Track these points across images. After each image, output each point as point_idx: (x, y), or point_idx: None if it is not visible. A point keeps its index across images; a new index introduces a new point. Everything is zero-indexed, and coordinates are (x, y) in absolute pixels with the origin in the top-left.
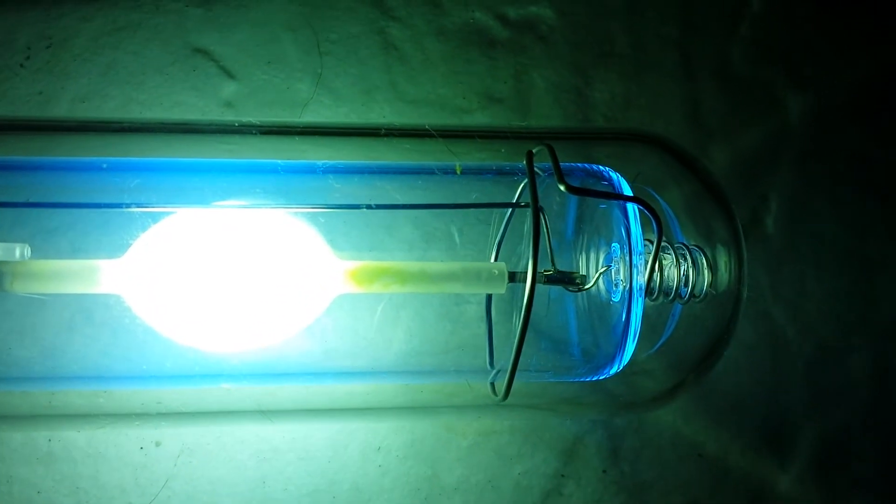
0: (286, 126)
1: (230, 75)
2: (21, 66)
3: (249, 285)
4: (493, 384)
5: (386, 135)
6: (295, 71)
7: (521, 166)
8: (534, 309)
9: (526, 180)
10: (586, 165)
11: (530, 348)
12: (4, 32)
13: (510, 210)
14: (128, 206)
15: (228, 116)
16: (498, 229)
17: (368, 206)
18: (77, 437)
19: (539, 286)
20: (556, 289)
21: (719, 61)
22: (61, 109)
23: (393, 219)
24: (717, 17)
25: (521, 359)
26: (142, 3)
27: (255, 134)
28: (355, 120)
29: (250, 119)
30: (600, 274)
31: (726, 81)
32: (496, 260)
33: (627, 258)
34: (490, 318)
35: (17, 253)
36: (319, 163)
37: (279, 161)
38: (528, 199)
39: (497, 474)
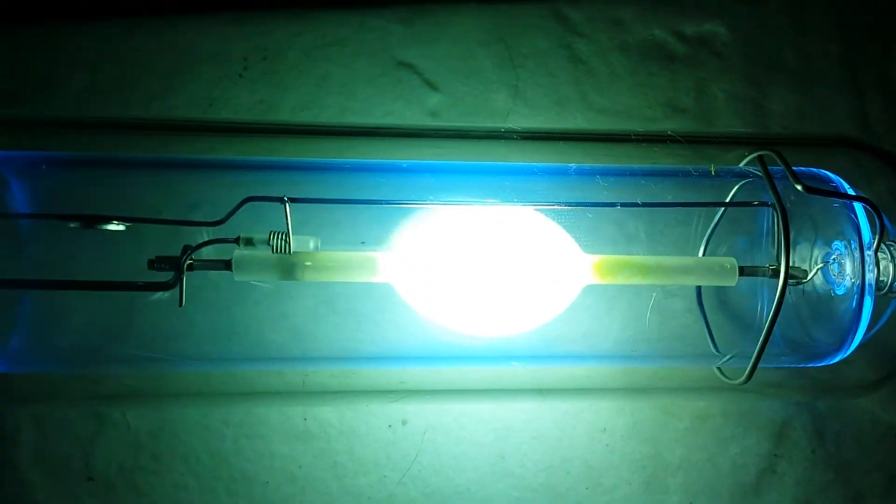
0: (552, 132)
1: (433, 87)
2: (240, 76)
3: (505, 276)
4: (720, 369)
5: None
6: (491, 83)
7: (736, 168)
8: (755, 300)
9: (741, 182)
10: (802, 168)
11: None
12: (221, 44)
13: (721, 209)
14: (402, 203)
15: (434, 125)
16: (696, 230)
17: (624, 205)
18: (330, 416)
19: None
20: (771, 281)
21: (881, 76)
22: (282, 117)
23: (618, 216)
24: (877, 36)
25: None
26: (347, 20)
27: (516, 139)
28: (553, 127)
29: (453, 124)
30: (818, 269)
31: (891, 96)
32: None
33: (857, 254)
34: (703, 309)
35: (311, 245)
36: (572, 165)
37: (533, 164)
38: (745, 199)
39: (715, 454)
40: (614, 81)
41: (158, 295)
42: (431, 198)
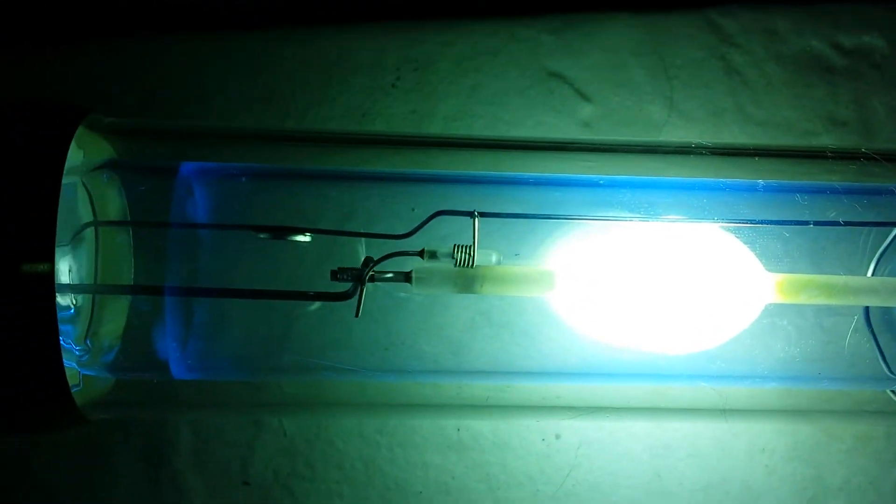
0: (744, 148)
1: (585, 98)
2: (392, 86)
3: (683, 293)
4: (894, 391)
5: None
6: (645, 94)
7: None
8: None
9: None
10: None
11: None
12: (374, 54)
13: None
14: (584, 217)
15: (586, 136)
16: (863, 248)
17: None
18: (483, 428)
19: None
20: None
21: None
22: (435, 127)
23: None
24: None
25: None
26: (497, 31)
27: (705, 154)
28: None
29: (606, 138)
30: None
31: None
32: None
33: None
34: (872, 329)
35: (493, 259)
36: (761, 182)
37: (719, 180)
38: None
39: (878, 477)
40: (771, 93)
41: (316, 305)
42: (612, 213)
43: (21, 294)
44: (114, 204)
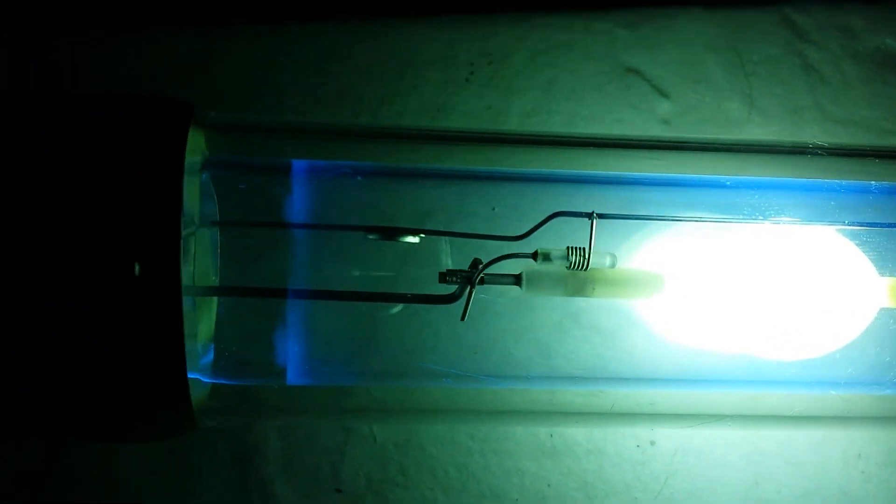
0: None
1: (663, 94)
2: (466, 80)
3: (793, 297)
4: None
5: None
6: (723, 90)
7: None
8: None
9: None
10: None
11: None
12: (446, 48)
13: None
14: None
15: (666, 133)
16: None
17: None
18: (577, 434)
19: None
20: None
21: None
22: (511, 123)
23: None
24: None
25: None
26: (572, 24)
27: (823, 155)
28: (787, 139)
29: (685, 135)
30: None
31: None
32: None
33: None
34: None
35: (608, 261)
36: (874, 184)
37: (832, 181)
38: None
39: None
40: (849, 91)
41: (398, 307)
42: (720, 214)
43: (145, 297)
44: (210, 202)
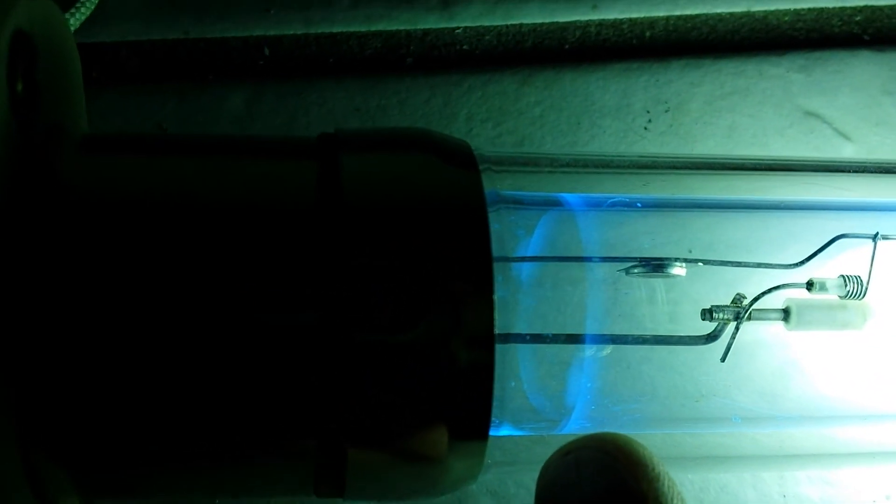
0: None
1: (845, 137)
2: (645, 128)
3: None
4: None
5: None
6: None
7: None
8: None
9: None
10: None
11: None
12: (619, 97)
13: None
14: None
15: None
16: None
17: None
18: (810, 493)
19: None
20: None
21: None
22: None
23: None
24: None
25: None
26: (744, 69)
27: None
28: None
29: None
30: None
31: None
32: None
33: None
34: None
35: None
36: None
37: None
38: None
39: None
40: None
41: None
42: None
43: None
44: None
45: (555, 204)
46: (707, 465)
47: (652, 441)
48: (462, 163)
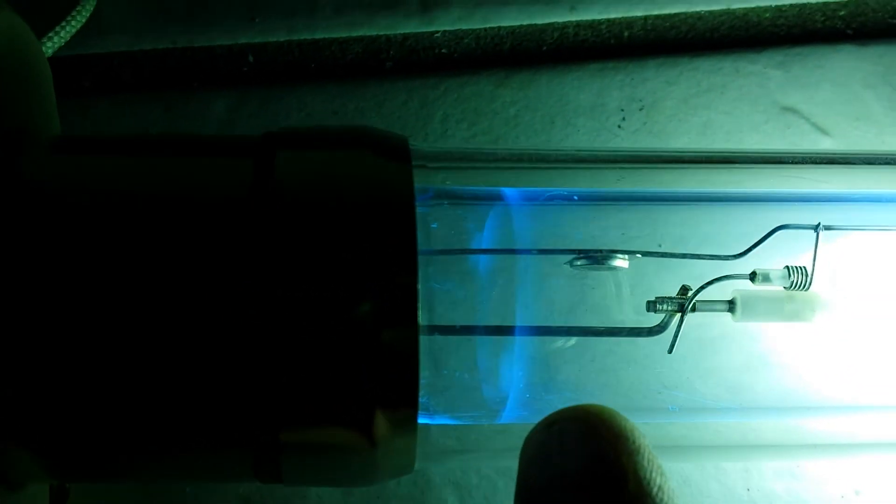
0: None
1: (824, 132)
2: (619, 126)
3: None
4: None
5: None
6: (885, 126)
7: None
8: None
9: None
10: None
11: None
12: (595, 96)
13: None
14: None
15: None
16: None
17: None
18: (776, 488)
19: None
20: None
21: None
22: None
23: None
24: None
25: None
26: (721, 66)
27: None
28: None
29: None
30: None
31: None
32: None
33: None
34: None
35: (829, 281)
36: None
37: None
38: None
39: None
40: None
41: (572, 342)
42: None
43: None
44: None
45: (495, 198)
46: (669, 454)
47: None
48: (395, 157)
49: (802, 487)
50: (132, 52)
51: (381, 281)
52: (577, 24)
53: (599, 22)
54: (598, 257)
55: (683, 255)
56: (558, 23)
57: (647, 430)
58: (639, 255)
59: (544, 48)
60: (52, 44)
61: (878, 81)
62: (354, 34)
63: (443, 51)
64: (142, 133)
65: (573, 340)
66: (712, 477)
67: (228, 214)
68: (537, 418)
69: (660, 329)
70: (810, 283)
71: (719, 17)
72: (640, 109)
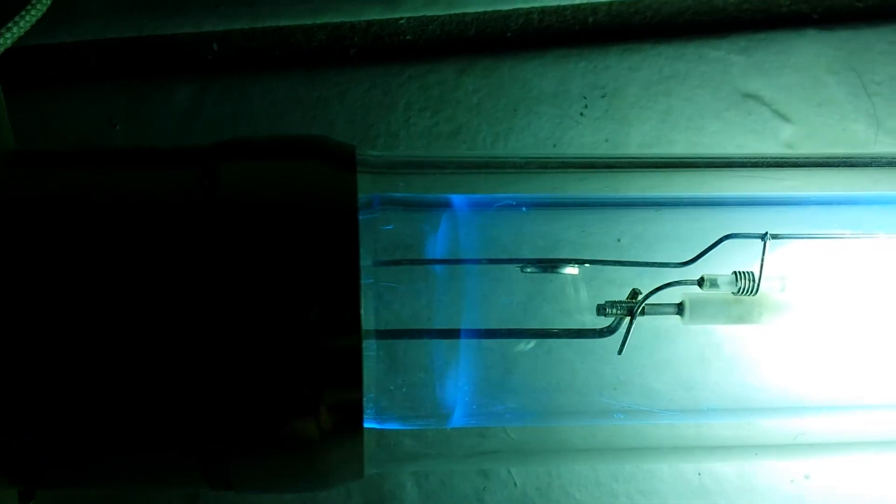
0: None
1: (785, 118)
2: (581, 114)
3: None
4: None
5: None
6: (847, 112)
7: None
8: None
9: None
10: None
11: None
12: (557, 83)
13: None
14: None
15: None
16: None
17: None
18: (727, 471)
19: None
20: None
21: None
22: (630, 155)
23: None
24: None
25: None
26: (685, 53)
27: None
28: None
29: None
30: None
31: None
32: None
33: None
34: None
35: (780, 285)
36: None
37: None
38: None
39: None
40: None
41: (531, 344)
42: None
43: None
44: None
45: (446, 205)
46: (623, 454)
47: (567, 432)
48: (341, 166)
49: (753, 472)
50: (99, 40)
51: (324, 287)
52: (542, 10)
53: (564, 7)
54: (545, 267)
55: (633, 263)
56: (523, 8)
57: (594, 431)
58: (587, 266)
59: (508, 34)
60: (11, 34)
61: (841, 67)
62: (319, 21)
63: (407, 38)
64: (95, 146)
65: (532, 343)
66: (664, 461)
67: (173, 226)
68: (488, 423)
69: (609, 331)
70: (758, 288)
71: (684, 3)
72: (603, 97)
